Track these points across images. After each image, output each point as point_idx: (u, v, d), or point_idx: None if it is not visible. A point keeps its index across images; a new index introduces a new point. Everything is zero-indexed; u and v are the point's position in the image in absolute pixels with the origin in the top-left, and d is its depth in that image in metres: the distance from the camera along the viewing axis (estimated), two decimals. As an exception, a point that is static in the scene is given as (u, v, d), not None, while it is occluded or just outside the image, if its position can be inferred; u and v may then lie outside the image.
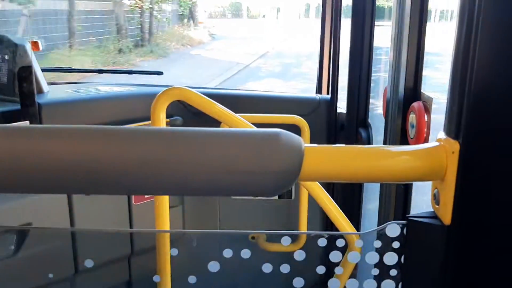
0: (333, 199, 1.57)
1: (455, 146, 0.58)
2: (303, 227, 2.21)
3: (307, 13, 41.17)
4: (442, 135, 0.61)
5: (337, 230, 1.59)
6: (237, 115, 1.51)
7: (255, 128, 0.59)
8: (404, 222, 0.65)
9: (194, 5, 22.93)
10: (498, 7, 0.54)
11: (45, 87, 2.12)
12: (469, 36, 0.55)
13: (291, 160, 0.56)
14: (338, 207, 1.56)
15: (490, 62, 0.55)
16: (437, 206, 0.63)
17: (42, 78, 2.13)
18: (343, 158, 0.61)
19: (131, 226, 2.24)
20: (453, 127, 0.59)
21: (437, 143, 0.61)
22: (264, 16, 39.66)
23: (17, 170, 0.54)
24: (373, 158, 0.61)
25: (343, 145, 0.63)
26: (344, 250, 0.71)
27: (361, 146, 0.63)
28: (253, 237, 2.55)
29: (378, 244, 0.67)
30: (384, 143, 1.63)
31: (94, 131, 0.56)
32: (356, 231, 1.60)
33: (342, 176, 0.63)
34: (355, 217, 2.18)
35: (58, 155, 0.54)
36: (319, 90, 2.56)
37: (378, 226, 0.69)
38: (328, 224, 2.41)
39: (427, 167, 0.61)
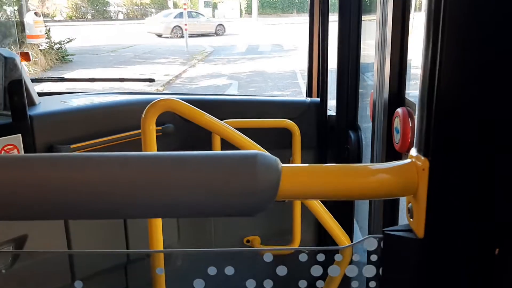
0: (326, 206, 1.60)
1: (425, 163, 0.60)
2: (297, 230, 2.23)
3: (249, 10, 32.77)
4: (413, 152, 0.64)
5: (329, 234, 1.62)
6: (226, 123, 1.53)
7: (233, 151, 0.61)
8: (380, 235, 0.67)
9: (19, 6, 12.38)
10: (461, 27, 0.57)
11: (36, 99, 2.13)
12: (435, 59, 0.58)
13: (268, 181, 0.59)
14: (329, 213, 1.59)
15: (456, 82, 0.58)
16: (411, 220, 0.65)
17: (33, 90, 2.13)
18: (319, 177, 0.63)
19: (126, 230, 2.25)
20: (423, 145, 0.61)
21: (409, 160, 0.64)
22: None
23: (8, 199, 0.56)
24: (348, 177, 0.64)
25: (319, 164, 0.66)
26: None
27: (336, 165, 0.65)
28: (248, 241, 2.57)
29: (357, 257, 0.69)
30: (371, 147, 1.65)
31: (71, 159, 0.59)
32: (347, 236, 1.62)
33: (318, 195, 0.65)
34: (347, 224, 2.20)
35: (45, 184, 0.56)
36: (309, 93, 2.58)
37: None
38: (322, 226, 2.44)
39: (400, 183, 0.63)
